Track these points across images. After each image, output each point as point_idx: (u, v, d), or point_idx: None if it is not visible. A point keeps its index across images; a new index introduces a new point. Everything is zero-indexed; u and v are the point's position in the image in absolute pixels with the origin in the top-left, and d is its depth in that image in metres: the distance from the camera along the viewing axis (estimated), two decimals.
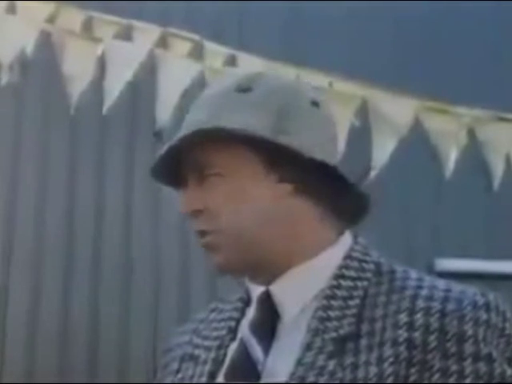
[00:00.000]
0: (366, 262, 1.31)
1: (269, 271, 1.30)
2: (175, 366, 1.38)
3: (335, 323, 1.24)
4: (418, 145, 4.11)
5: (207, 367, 1.31)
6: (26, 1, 3.82)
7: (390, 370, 1.18)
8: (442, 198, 5.62)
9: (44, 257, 5.29)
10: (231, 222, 1.28)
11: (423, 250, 5.49)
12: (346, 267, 1.30)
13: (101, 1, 4.15)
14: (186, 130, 1.29)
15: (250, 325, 1.31)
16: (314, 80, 3.72)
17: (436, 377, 1.19)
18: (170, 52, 3.95)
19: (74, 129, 5.39)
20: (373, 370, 1.19)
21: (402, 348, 1.19)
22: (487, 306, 1.23)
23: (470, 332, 1.20)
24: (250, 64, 3.87)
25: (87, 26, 3.97)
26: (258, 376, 1.25)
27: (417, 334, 1.20)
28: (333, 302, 1.26)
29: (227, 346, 1.32)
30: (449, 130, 3.94)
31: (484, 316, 1.22)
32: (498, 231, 5.62)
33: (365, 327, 1.23)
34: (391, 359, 1.19)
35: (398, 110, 3.88)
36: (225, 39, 4.17)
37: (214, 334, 1.36)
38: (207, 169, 1.29)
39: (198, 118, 1.30)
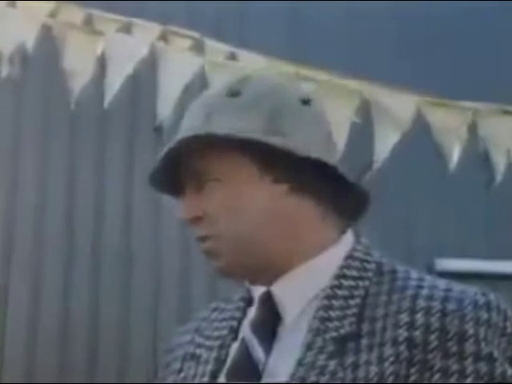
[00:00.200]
0: (367, 261, 1.31)
1: (270, 272, 1.30)
2: (177, 365, 1.38)
3: (336, 323, 1.24)
4: (420, 139, 4.10)
5: (209, 367, 1.32)
6: (26, 0, 3.81)
7: (390, 369, 1.18)
8: (443, 197, 5.61)
9: (44, 257, 5.29)
10: (231, 227, 1.28)
11: (423, 249, 5.49)
12: (348, 267, 1.30)
13: (101, 0, 4.14)
14: (180, 137, 1.30)
15: (251, 325, 1.31)
16: (314, 76, 3.71)
17: (437, 376, 1.19)
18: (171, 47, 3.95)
19: (75, 123, 5.38)
20: (373, 369, 1.19)
21: (402, 347, 1.19)
22: (488, 306, 1.23)
23: (470, 331, 1.20)
24: (251, 61, 3.86)
25: (88, 24, 3.96)
26: (259, 376, 1.25)
27: (417, 334, 1.20)
28: (334, 302, 1.26)
29: (229, 346, 1.33)
30: (451, 124, 3.93)
31: (485, 315, 1.21)
32: (498, 231, 5.61)
33: (365, 327, 1.23)
34: (392, 359, 1.19)
35: (399, 105, 3.87)
36: (225, 38, 4.17)
37: (216, 333, 1.36)
38: (204, 175, 1.30)
39: (190, 125, 1.31)
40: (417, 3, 5.75)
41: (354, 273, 1.29)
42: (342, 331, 1.23)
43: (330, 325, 1.24)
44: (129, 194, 5.40)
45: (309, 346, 1.23)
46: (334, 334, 1.23)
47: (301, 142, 1.28)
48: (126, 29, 3.99)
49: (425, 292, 1.24)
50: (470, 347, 1.19)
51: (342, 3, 5.67)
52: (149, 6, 5.25)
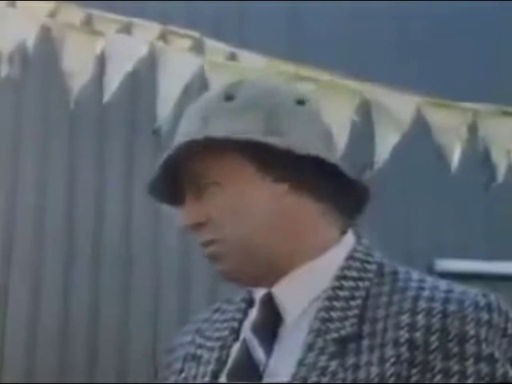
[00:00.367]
0: (368, 262, 1.31)
1: (273, 273, 1.31)
2: (178, 365, 1.39)
3: (337, 324, 1.24)
4: (420, 140, 4.10)
5: (210, 367, 1.32)
6: (26, 0, 3.81)
7: (391, 370, 1.18)
8: (443, 198, 5.61)
9: (44, 257, 5.29)
10: (236, 229, 1.29)
11: (423, 250, 5.49)
12: (349, 268, 1.30)
13: (101, 0, 4.14)
14: (177, 143, 1.30)
15: (252, 326, 1.32)
16: (314, 76, 3.71)
17: (438, 377, 1.19)
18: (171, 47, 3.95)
19: (74, 123, 5.38)
20: (374, 370, 1.19)
21: (403, 349, 1.19)
22: (489, 307, 1.23)
23: (471, 332, 1.20)
24: (251, 61, 3.86)
25: (87, 24, 3.97)
26: (260, 377, 1.26)
27: (418, 335, 1.20)
28: (335, 303, 1.26)
29: (230, 347, 1.33)
30: (451, 124, 3.93)
31: (486, 316, 1.21)
32: (498, 232, 5.61)
33: (366, 328, 1.23)
34: (393, 360, 1.19)
35: (400, 105, 3.87)
36: (225, 38, 4.17)
37: (217, 334, 1.36)
38: (204, 179, 1.30)
39: (187, 130, 1.31)
40: (417, 3, 5.75)
41: (355, 274, 1.29)
42: (343, 332, 1.23)
43: (331, 326, 1.24)
44: (129, 193, 5.40)
45: (310, 347, 1.23)
46: (335, 334, 1.23)
47: (299, 140, 1.29)
48: (126, 29, 3.99)
49: (426, 293, 1.23)
50: (470, 348, 1.19)
51: (342, 3, 5.67)
52: (149, 6, 5.25)
